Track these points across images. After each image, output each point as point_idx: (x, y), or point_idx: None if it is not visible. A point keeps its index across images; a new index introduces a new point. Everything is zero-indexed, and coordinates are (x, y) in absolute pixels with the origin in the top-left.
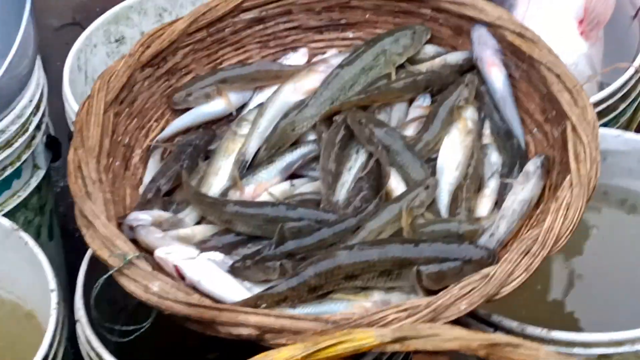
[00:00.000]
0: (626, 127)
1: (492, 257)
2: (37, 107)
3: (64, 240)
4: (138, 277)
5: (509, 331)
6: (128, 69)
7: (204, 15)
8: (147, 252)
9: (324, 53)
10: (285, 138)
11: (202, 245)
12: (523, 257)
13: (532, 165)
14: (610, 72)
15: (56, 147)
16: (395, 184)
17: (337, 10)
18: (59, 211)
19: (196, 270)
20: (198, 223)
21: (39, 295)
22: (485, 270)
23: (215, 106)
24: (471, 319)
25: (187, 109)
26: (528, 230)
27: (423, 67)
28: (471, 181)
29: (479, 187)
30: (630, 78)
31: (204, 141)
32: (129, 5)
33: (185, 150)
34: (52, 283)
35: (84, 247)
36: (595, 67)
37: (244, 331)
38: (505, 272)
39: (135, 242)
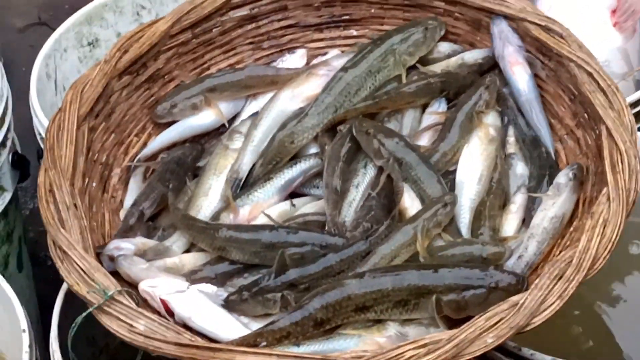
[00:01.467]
0: None
1: (521, 283)
2: (2, 120)
3: (35, 269)
4: (121, 315)
5: None
6: (104, 78)
7: (188, 14)
8: (130, 285)
9: (324, 54)
10: (283, 152)
11: (193, 277)
12: (556, 282)
13: (564, 177)
14: None
15: (23, 165)
16: (410, 202)
17: (339, 5)
18: (28, 237)
19: (186, 305)
20: (187, 251)
21: (7, 335)
22: (514, 298)
23: (204, 118)
24: (498, 353)
25: (172, 122)
26: (561, 252)
27: (437, 67)
28: (495, 196)
29: (504, 203)
30: None
31: (191, 157)
32: (103, 4)
33: (170, 169)
34: (23, 322)
35: (58, 277)
36: (632, 62)
37: None
38: (537, 299)
39: (116, 274)
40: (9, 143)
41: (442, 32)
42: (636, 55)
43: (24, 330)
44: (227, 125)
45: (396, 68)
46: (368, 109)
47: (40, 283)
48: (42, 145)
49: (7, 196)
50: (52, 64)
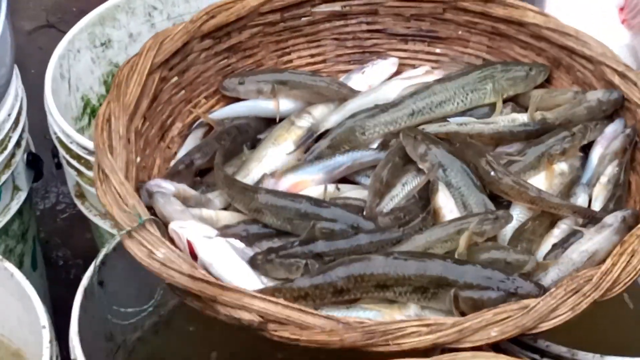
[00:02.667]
0: None
1: (541, 295)
2: (17, 121)
3: (46, 270)
4: (144, 240)
5: (557, 358)
6: (185, 35)
7: None
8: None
9: (405, 65)
10: (353, 139)
11: (224, 231)
12: (571, 295)
13: (612, 218)
14: None
15: (38, 165)
16: (444, 201)
17: (429, 21)
18: (39, 238)
19: (211, 251)
20: (224, 210)
21: (26, 332)
22: (526, 301)
23: (272, 105)
24: (513, 344)
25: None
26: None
27: (536, 114)
28: (540, 222)
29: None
30: None
31: (254, 128)
32: (116, 5)
33: (229, 132)
34: (43, 319)
35: (69, 277)
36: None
37: (246, 316)
38: (548, 306)
39: (150, 210)
40: (23, 143)
41: (544, 78)
42: None
43: (44, 327)
44: (277, 121)
45: (492, 95)
46: (439, 130)
47: (52, 284)
48: (57, 145)
49: (22, 196)
50: (66, 64)
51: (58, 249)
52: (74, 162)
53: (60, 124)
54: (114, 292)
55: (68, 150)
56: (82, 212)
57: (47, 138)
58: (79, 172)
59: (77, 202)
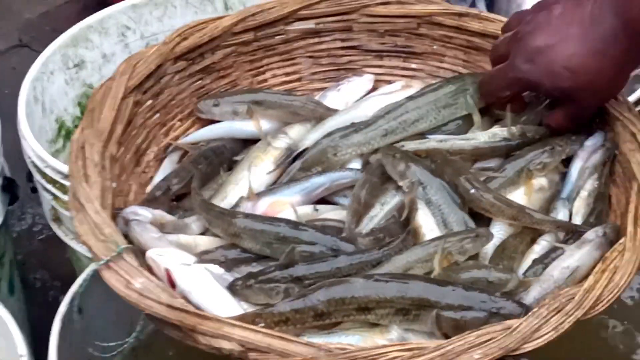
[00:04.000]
0: None
1: (524, 314)
2: None
3: (25, 292)
4: (121, 270)
5: None
6: (159, 57)
7: (253, 16)
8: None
9: (381, 81)
10: (324, 160)
11: (203, 256)
12: (554, 315)
13: (592, 234)
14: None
15: (13, 189)
16: (423, 219)
17: (404, 36)
18: (16, 260)
19: (189, 278)
20: (203, 234)
21: None
22: (509, 322)
23: (248, 127)
24: None
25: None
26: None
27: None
28: (521, 239)
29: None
30: None
31: (230, 150)
32: (88, 25)
33: (206, 155)
34: (22, 348)
35: (47, 299)
36: None
37: (226, 345)
38: (531, 327)
39: (127, 238)
40: None
41: None
42: None
43: (22, 356)
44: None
45: (465, 109)
46: (419, 147)
47: (30, 305)
48: (31, 169)
49: None
50: (40, 87)
51: (35, 271)
52: (49, 187)
53: (35, 149)
54: (92, 318)
55: (43, 174)
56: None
57: (22, 159)
58: (55, 197)
59: (54, 226)
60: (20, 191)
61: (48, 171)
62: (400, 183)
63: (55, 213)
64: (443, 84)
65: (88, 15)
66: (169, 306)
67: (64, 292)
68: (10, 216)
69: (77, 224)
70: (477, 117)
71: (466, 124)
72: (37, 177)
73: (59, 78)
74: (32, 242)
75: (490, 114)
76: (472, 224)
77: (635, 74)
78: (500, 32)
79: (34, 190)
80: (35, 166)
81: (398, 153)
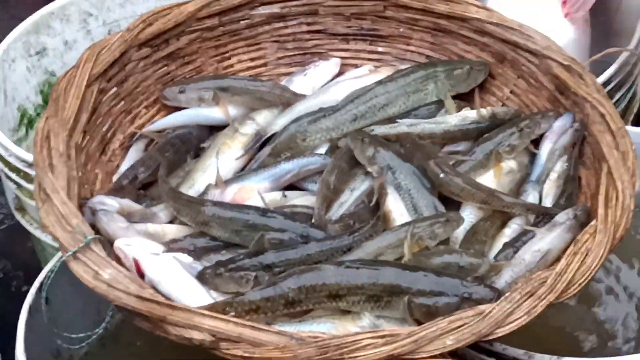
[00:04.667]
0: (622, 118)
1: (496, 298)
2: None
3: None
4: (89, 261)
5: None
6: (123, 44)
7: (218, 1)
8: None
9: (348, 65)
10: (293, 147)
11: (171, 245)
12: (527, 299)
13: (563, 216)
14: (601, 59)
15: None
16: (393, 204)
17: (369, 19)
18: None
19: (158, 268)
20: (171, 223)
21: None
22: (481, 307)
23: (215, 112)
24: (469, 349)
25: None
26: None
27: (485, 111)
28: (491, 223)
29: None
30: (625, 64)
31: (196, 137)
32: (50, 12)
33: (172, 142)
34: None
35: (10, 289)
36: (584, 53)
37: (197, 335)
38: (503, 312)
39: (94, 228)
40: None
41: (485, 76)
42: (588, 46)
43: None
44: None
45: (434, 95)
46: (389, 132)
47: None
48: None
49: None
50: (1, 74)
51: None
52: (13, 175)
53: None
54: (59, 309)
55: (6, 163)
56: (21, 223)
57: None
58: (19, 186)
59: (17, 215)
60: None
61: (11, 160)
62: (369, 168)
63: (19, 202)
64: (414, 69)
65: (48, 2)
66: (138, 297)
67: (28, 282)
68: None
69: (43, 215)
70: (448, 102)
71: (438, 109)
72: (0, 165)
73: (21, 66)
74: None
75: (461, 99)
76: (442, 209)
77: (603, 55)
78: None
79: None
80: None
81: (367, 138)
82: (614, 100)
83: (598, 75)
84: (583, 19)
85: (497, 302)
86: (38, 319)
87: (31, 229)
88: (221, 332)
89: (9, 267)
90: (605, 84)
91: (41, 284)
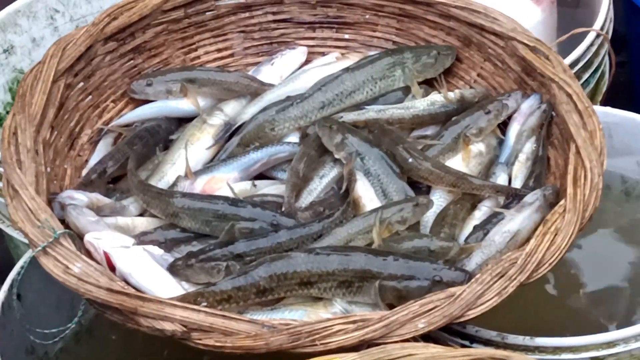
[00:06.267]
0: (591, 99)
1: (467, 281)
2: None
3: None
4: (59, 256)
5: (487, 342)
6: (88, 39)
7: None
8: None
9: (315, 53)
10: (262, 136)
11: (142, 238)
12: (497, 280)
13: (532, 197)
14: (568, 40)
15: None
16: (363, 190)
17: (335, 7)
18: None
19: (129, 261)
20: (141, 216)
21: None
22: (452, 289)
23: (182, 104)
24: (442, 332)
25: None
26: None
27: (454, 94)
28: (461, 206)
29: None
30: (591, 45)
31: (165, 129)
32: (16, 10)
33: (140, 135)
34: None
35: None
36: (551, 35)
37: (168, 326)
38: (474, 293)
39: (63, 223)
40: None
41: (452, 61)
42: (554, 28)
43: None
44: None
45: (401, 81)
46: (358, 119)
47: None
48: None
49: None
50: None
51: None
52: None
53: None
54: (32, 305)
55: None
56: None
57: None
58: None
59: None
60: None
61: None
62: (337, 155)
63: None
64: (381, 56)
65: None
66: (109, 290)
67: (2, 280)
68: None
69: (12, 210)
70: (415, 88)
71: (405, 95)
72: None
73: None
74: None
75: (429, 86)
76: (411, 193)
77: (570, 36)
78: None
79: None
80: None
81: (335, 124)
82: (582, 80)
83: (566, 56)
84: (549, 1)
85: (468, 284)
86: (11, 316)
87: (3, 226)
88: (192, 323)
89: None
90: (573, 64)
91: (12, 281)
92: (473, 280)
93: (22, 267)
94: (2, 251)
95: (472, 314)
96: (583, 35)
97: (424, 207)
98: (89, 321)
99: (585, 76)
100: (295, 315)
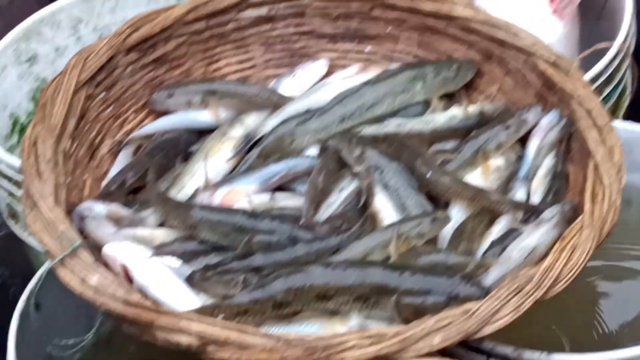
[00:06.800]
0: (612, 114)
1: (484, 296)
2: None
3: None
4: (76, 267)
5: (504, 358)
6: (110, 50)
7: (205, 4)
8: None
9: (336, 65)
10: (281, 148)
11: (160, 249)
12: (513, 296)
13: (550, 212)
14: (589, 57)
15: None
16: (381, 205)
17: (357, 19)
18: None
19: (146, 273)
20: (160, 226)
21: None
22: (468, 305)
23: (203, 116)
24: (459, 347)
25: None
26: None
27: (473, 108)
28: (479, 222)
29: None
30: (613, 59)
31: (185, 141)
32: (40, 19)
33: (161, 146)
34: None
35: (7, 296)
36: (573, 49)
37: (184, 339)
38: (491, 309)
39: (82, 234)
40: None
41: (473, 75)
42: (577, 42)
43: None
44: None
45: (422, 94)
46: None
47: None
48: None
49: None
50: None
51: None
52: (4, 183)
53: None
54: (51, 315)
55: None
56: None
57: None
58: (10, 193)
59: (10, 222)
60: None
61: (2, 167)
62: (356, 169)
63: (12, 209)
64: (401, 69)
65: (42, 7)
66: (125, 302)
67: (24, 287)
68: None
69: (30, 221)
70: (435, 102)
71: (425, 108)
72: None
73: (12, 73)
74: None
75: (449, 99)
76: (429, 207)
77: (592, 51)
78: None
79: None
80: None
81: (354, 138)
82: (604, 95)
83: (588, 70)
84: (572, 15)
85: (484, 300)
86: (29, 326)
87: (24, 236)
88: (208, 336)
89: (6, 274)
90: (594, 79)
91: (30, 291)
92: (489, 296)
93: (40, 277)
94: (26, 260)
95: (488, 329)
96: (605, 49)
97: (442, 222)
98: (107, 331)
99: (607, 91)
100: (311, 329)
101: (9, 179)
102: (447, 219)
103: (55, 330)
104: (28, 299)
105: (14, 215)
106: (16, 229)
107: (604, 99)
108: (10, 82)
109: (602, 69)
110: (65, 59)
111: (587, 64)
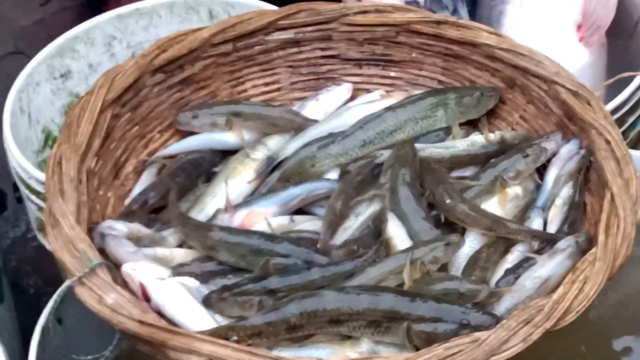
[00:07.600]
0: (636, 142)
1: (494, 325)
2: None
3: (17, 299)
4: (94, 286)
5: None
6: (137, 70)
7: (233, 27)
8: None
9: (360, 90)
10: (302, 171)
11: (179, 269)
12: (523, 326)
13: (564, 243)
14: (616, 82)
15: (2, 199)
16: (394, 231)
17: (382, 44)
18: (9, 266)
19: (164, 292)
20: (180, 246)
21: None
22: (477, 334)
23: (228, 137)
24: None
25: (191, 132)
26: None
27: (494, 135)
28: (494, 250)
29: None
30: (638, 88)
31: (208, 162)
32: (74, 36)
33: (184, 167)
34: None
35: (39, 305)
36: (599, 77)
37: None
38: (499, 339)
39: (103, 253)
40: None
41: (495, 102)
42: (603, 70)
43: None
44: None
45: (443, 121)
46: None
47: (23, 312)
48: (16, 180)
49: None
50: (26, 97)
51: (29, 277)
52: (33, 198)
53: (19, 160)
54: (73, 329)
55: (27, 185)
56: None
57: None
58: (39, 207)
59: (39, 235)
60: (9, 201)
61: (31, 182)
62: (381, 181)
63: (41, 223)
64: (424, 96)
65: (83, 22)
66: (140, 322)
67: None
68: (3, 223)
69: (52, 239)
70: (456, 129)
71: (446, 135)
72: (21, 187)
73: (45, 88)
74: (26, 248)
75: (471, 126)
76: (437, 232)
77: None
78: (477, 40)
79: (20, 200)
80: (20, 177)
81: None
82: (628, 124)
83: (613, 99)
84: (599, 43)
85: (494, 329)
86: (50, 340)
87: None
88: (219, 357)
89: (39, 283)
90: (619, 107)
91: (52, 306)
92: (499, 325)
93: (61, 291)
94: (57, 271)
95: (496, 359)
96: (630, 77)
97: (456, 246)
98: (128, 347)
99: (631, 119)
100: (322, 353)
101: (38, 193)
102: (460, 243)
103: (77, 345)
104: (49, 314)
105: (43, 228)
106: (45, 242)
107: (627, 127)
108: (44, 97)
109: (626, 97)
110: (98, 75)
111: (612, 89)
